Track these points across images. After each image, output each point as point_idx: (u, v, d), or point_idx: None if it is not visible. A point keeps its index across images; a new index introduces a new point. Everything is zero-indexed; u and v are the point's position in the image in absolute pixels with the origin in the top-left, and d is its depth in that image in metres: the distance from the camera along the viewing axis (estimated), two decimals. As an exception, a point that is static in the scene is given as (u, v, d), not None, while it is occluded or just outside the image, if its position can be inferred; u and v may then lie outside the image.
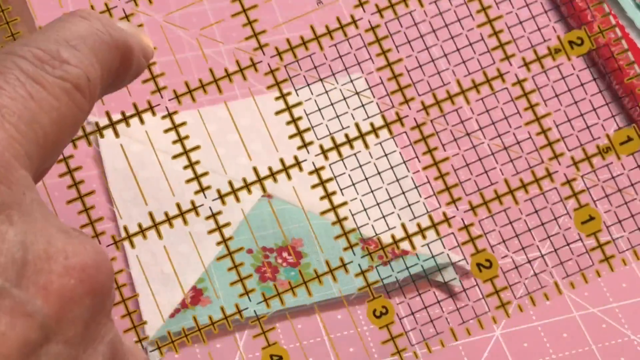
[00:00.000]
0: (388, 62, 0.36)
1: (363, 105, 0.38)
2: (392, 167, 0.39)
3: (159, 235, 0.35)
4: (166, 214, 0.35)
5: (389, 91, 0.36)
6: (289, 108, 0.35)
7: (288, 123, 0.35)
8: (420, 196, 0.41)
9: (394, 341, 0.37)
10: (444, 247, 0.45)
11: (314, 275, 0.37)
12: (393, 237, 0.37)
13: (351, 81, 0.39)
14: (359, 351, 0.42)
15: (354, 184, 0.38)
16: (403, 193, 0.39)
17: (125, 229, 0.35)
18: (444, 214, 0.37)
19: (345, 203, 0.36)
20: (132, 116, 0.35)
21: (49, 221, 0.25)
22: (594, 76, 0.36)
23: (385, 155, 0.38)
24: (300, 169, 0.36)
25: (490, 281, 0.36)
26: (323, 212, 0.36)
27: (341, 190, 0.38)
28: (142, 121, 0.34)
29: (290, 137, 0.35)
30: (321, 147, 0.36)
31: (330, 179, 0.37)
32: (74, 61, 0.28)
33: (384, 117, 0.36)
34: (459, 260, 0.44)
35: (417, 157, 0.36)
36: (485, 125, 0.38)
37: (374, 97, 0.39)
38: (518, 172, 0.38)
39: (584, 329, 0.43)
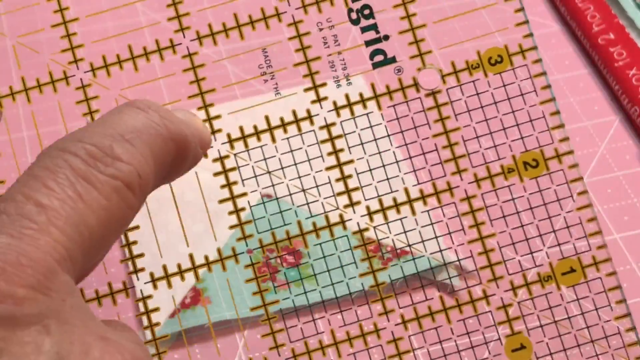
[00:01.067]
0: (338, 163, 0.36)
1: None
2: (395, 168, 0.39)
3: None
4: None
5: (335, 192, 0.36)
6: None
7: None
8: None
9: (395, 343, 0.37)
10: (441, 247, 0.45)
11: (313, 275, 0.37)
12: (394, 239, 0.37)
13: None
14: (359, 351, 0.42)
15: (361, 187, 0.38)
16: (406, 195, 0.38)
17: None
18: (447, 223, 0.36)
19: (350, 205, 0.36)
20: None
21: (88, 327, 0.25)
22: (544, 201, 0.36)
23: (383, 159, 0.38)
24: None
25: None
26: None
27: (348, 192, 0.38)
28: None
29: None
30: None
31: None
32: (126, 158, 0.27)
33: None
34: (460, 259, 0.44)
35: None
36: (427, 238, 0.38)
37: (319, 195, 0.39)
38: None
39: (584, 328, 0.43)
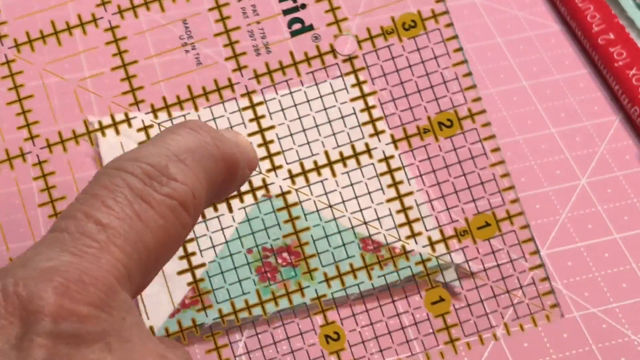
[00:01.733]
0: (260, 128, 0.36)
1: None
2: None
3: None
4: None
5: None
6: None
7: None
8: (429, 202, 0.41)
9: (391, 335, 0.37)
10: (445, 248, 0.45)
11: (315, 279, 0.37)
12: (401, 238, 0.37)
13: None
14: (359, 351, 0.42)
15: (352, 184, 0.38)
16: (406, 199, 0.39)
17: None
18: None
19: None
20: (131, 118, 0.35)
21: (147, 345, 0.26)
22: (459, 159, 0.37)
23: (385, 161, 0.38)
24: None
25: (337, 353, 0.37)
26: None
27: (342, 196, 0.38)
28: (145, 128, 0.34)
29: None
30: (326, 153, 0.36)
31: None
32: (181, 177, 0.28)
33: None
34: (461, 262, 0.44)
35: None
36: (347, 199, 0.38)
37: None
38: (374, 249, 0.39)
39: (584, 329, 0.43)
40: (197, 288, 0.40)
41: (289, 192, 0.37)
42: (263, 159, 0.36)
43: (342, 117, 0.38)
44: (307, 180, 0.37)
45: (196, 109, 0.36)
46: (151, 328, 0.40)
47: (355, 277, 0.40)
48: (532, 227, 0.46)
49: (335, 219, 0.39)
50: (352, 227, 0.39)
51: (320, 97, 0.37)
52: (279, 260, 0.42)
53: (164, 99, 0.36)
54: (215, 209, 0.37)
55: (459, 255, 0.43)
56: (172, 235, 0.28)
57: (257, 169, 0.36)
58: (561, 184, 0.47)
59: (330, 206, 0.39)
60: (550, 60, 0.53)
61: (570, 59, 0.53)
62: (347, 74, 0.37)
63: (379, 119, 0.37)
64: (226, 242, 0.40)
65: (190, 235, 0.38)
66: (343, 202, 0.38)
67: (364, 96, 0.37)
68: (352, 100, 0.37)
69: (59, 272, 0.25)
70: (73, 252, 0.25)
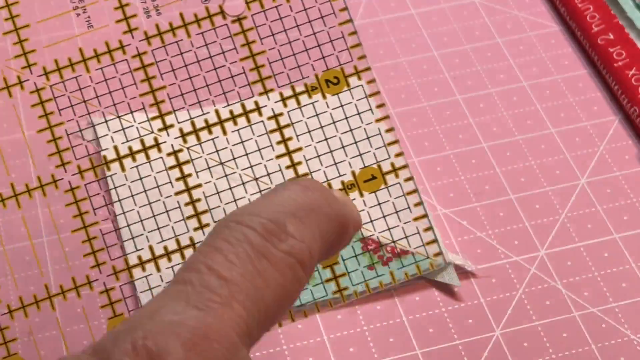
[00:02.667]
0: (151, 89, 0.38)
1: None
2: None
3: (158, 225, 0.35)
4: (191, 238, 0.35)
5: (149, 117, 0.38)
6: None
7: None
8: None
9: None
10: (444, 248, 0.45)
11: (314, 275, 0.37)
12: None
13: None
14: (359, 351, 0.42)
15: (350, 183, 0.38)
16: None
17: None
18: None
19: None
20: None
21: None
22: (346, 115, 0.38)
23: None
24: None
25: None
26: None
27: (345, 189, 0.38)
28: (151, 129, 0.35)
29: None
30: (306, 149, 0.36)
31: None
32: (299, 235, 0.28)
33: (142, 142, 0.38)
34: (460, 262, 0.44)
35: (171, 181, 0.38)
36: (238, 155, 0.40)
37: (134, 120, 0.40)
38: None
39: (584, 328, 0.43)
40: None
41: (180, 150, 0.38)
42: (154, 118, 0.38)
43: (232, 77, 0.39)
44: (198, 138, 0.38)
45: (87, 70, 0.38)
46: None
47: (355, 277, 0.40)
48: (532, 227, 0.46)
49: (226, 175, 0.39)
50: (243, 184, 0.39)
51: (210, 57, 0.39)
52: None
53: (56, 61, 0.37)
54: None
55: (456, 256, 0.43)
56: (289, 292, 0.28)
57: (150, 128, 0.37)
58: (561, 183, 0.47)
59: (221, 163, 0.39)
60: (550, 61, 0.53)
61: (570, 59, 0.53)
62: (236, 34, 0.38)
63: (268, 77, 0.38)
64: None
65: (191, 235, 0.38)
66: (234, 159, 0.39)
67: (252, 56, 0.38)
68: (242, 60, 0.38)
69: (186, 326, 0.25)
70: (197, 306, 0.26)
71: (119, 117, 0.39)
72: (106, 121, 0.40)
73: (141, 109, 0.38)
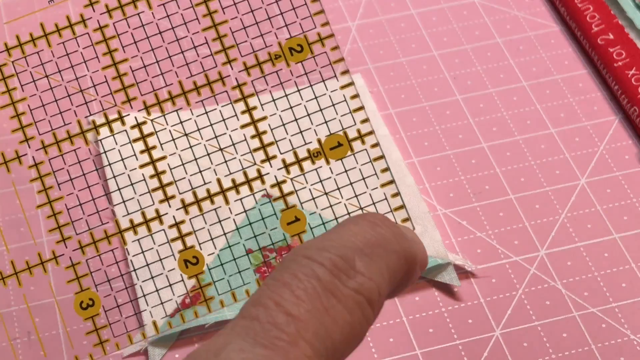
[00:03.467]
0: (114, 62, 0.38)
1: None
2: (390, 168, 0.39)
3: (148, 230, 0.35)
4: (157, 210, 0.35)
5: (112, 90, 0.38)
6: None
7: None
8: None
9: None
10: (444, 248, 0.45)
11: None
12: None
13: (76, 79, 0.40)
14: (359, 351, 0.42)
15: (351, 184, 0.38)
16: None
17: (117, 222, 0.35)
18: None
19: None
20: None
21: None
22: (310, 82, 0.38)
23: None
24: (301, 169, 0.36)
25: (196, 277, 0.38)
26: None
27: (339, 189, 0.38)
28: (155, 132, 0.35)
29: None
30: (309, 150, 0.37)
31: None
32: (367, 272, 0.28)
33: (106, 115, 0.38)
34: (460, 262, 0.44)
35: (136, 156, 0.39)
36: (203, 126, 0.40)
37: (97, 94, 0.40)
38: (231, 173, 0.40)
39: (584, 329, 0.43)
40: (197, 289, 0.40)
41: (144, 122, 0.38)
42: (117, 91, 0.38)
43: (195, 47, 0.39)
44: (161, 110, 0.38)
45: (49, 45, 0.37)
46: (154, 323, 0.40)
47: None
48: (532, 227, 0.46)
49: (191, 146, 0.40)
50: (208, 154, 0.40)
51: (172, 28, 0.38)
52: (279, 260, 0.42)
53: (17, 37, 0.37)
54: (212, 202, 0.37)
55: (456, 256, 0.43)
56: (357, 331, 0.27)
57: (113, 101, 0.37)
58: (561, 183, 0.47)
59: (186, 134, 0.39)
60: (549, 60, 0.53)
61: (570, 59, 0.53)
62: (198, 4, 0.38)
63: (231, 47, 0.38)
64: (229, 246, 0.40)
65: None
66: (198, 129, 0.39)
67: (215, 26, 0.38)
68: (204, 30, 0.38)
69: None
70: (264, 344, 0.25)
71: (81, 90, 0.39)
72: (69, 95, 0.39)
73: (104, 82, 0.38)
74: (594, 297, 0.43)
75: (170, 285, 0.40)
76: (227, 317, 0.41)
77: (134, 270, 0.40)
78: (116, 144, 0.39)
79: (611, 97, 0.51)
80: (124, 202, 0.39)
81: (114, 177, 0.39)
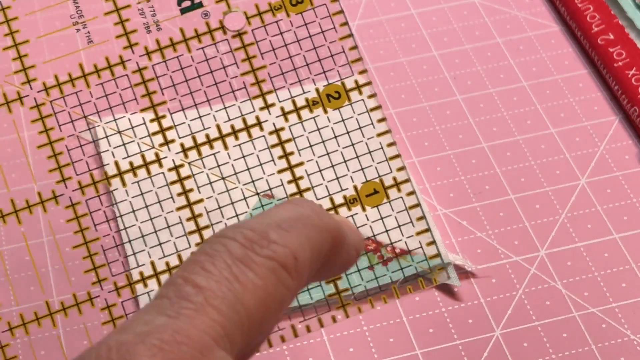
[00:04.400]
0: (152, 104, 0.38)
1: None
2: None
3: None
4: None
5: (150, 132, 0.38)
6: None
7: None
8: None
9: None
10: (444, 248, 0.45)
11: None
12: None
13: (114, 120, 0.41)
14: (359, 351, 0.42)
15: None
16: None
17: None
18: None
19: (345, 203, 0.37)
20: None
21: None
22: (347, 129, 0.39)
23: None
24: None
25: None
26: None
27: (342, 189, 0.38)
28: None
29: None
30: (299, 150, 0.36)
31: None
32: (281, 241, 0.28)
33: (143, 157, 0.38)
34: (460, 262, 0.44)
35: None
36: (240, 170, 0.40)
37: (135, 136, 0.40)
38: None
39: (584, 329, 0.43)
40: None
41: (182, 165, 0.39)
42: (155, 133, 0.38)
43: (233, 92, 0.39)
44: (199, 153, 0.38)
45: (88, 86, 0.38)
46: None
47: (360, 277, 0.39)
48: (532, 227, 0.46)
49: (228, 190, 0.40)
50: (245, 198, 0.40)
51: (211, 72, 0.39)
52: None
53: (56, 77, 0.37)
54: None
55: (456, 256, 0.43)
56: (274, 296, 0.28)
57: (151, 142, 0.37)
58: (561, 184, 0.47)
59: (223, 178, 0.39)
60: (550, 60, 0.53)
61: (570, 59, 0.53)
62: (237, 49, 0.38)
63: (269, 92, 0.38)
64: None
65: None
66: (235, 174, 0.39)
67: (253, 70, 0.38)
68: (243, 74, 0.38)
69: (153, 334, 0.25)
70: (169, 314, 0.26)
71: (119, 132, 0.39)
72: (107, 136, 0.40)
73: (142, 124, 0.38)
74: (594, 297, 0.43)
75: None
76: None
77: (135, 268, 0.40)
78: (153, 185, 0.39)
79: (611, 97, 0.51)
80: (161, 244, 0.39)
81: (151, 219, 0.39)
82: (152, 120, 0.38)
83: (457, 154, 0.49)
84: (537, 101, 0.51)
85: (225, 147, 0.38)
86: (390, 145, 0.38)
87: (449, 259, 0.44)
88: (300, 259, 0.28)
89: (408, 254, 0.42)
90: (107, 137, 0.40)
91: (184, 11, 0.38)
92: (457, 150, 0.49)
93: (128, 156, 0.38)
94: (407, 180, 0.38)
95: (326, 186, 0.39)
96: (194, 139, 0.38)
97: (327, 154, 0.39)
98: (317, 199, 0.38)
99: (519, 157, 0.49)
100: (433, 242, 0.39)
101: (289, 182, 0.38)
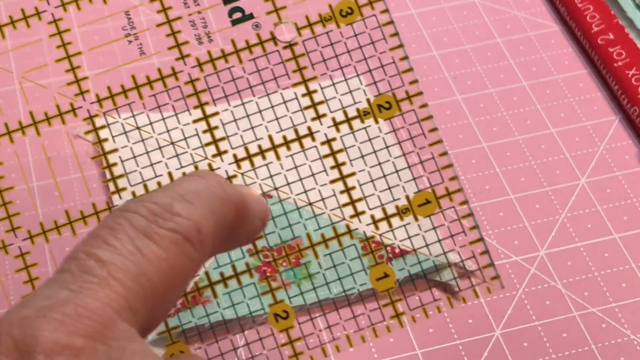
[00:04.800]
0: (204, 115, 0.38)
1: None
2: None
3: None
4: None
5: (203, 143, 0.38)
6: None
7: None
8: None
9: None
10: (444, 249, 0.45)
11: (314, 275, 0.37)
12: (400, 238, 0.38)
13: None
14: (359, 351, 0.42)
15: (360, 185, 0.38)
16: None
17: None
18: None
19: (349, 203, 0.37)
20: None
21: None
22: (398, 139, 0.39)
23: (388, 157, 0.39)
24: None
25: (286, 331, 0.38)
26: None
27: (348, 190, 0.38)
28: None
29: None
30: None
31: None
32: (185, 214, 0.28)
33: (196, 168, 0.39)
34: (458, 262, 0.44)
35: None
36: (292, 180, 0.40)
37: (187, 146, 0.40)
38: (320, 228, 0.40)
39: (584, 328, 0.43)
40: (196, 289, 0.40)
41: (234, 176, 0.39)
42: (208, 144, 0.38)
43: (285, 102, 0.39)
44: (252, 164, 0.38)
45: (141, 97, 0.38)
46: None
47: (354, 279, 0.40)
48: (532, 227, 0.46)
49: (280, 200, 0.39)
50: (298, 209, 0.40)
51: (262, 82, 0.39)
52: (279, 260, 0.42)
53: (109, 88, 0.37)
54: None
55: (455, 255, 0.43)
56: (177, 268, 0.28)
57: (203, 153, 0.37)
58: (561, 183, 0.47)
59: (276, 188, 0.39)
60: (550, 60, 0.53)
61: (570, 59, 0.53)
62: (288, 60, 0.38)
63: (321, 102, 0.38)
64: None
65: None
66: (288, 184, 0.39)
67: (305, 81, 0.38)
68: (294, 85, 0.38)
69: (55, 308, 0.25)
70: (71, 288, 0.26)
71: (172, 144, 0.39)
72: (160, 147, 0.39)
73: (195, 135, 0.38)
74: (594, 297, 0.43)
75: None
76: (227, 316, 0.41)
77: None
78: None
79: (611, 97, 0.51)
80: (216, 256, 0.39)
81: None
82: (204, 132, 0.38)
83: (457, 153, 0.49)
84: (537, 101, 0.51)
85: (278, 158, 0.38)
86: (442, 155, 0.38)
87: (449, 259, 0.44)
88: (203, 231, 0.28)
89: (409, 253, 0.42)
90: (160, 148, 0.40)
91: (235, 23, 0.38)
92: (457, 150, 0.49)
93: (181, 167, 0.38)
94: (460, 190, 0.38)
95: (378, 196, 0.39)
96: (246, 149, 0.38)
97: (379, 164, 0.39)
98: (370, 209, 0.38)
99: (519, 157, 0.49)
100: (486, 252, 0.39)
101: (341, 192, 0.38)
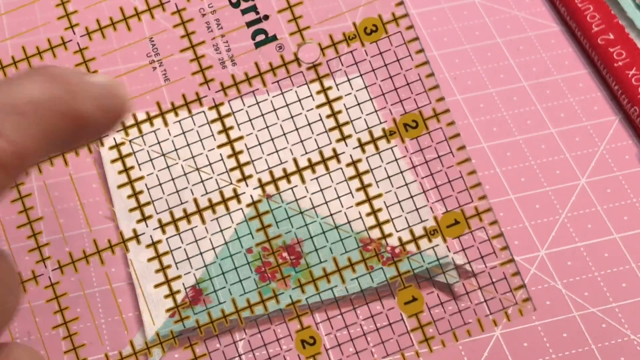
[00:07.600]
0: (229, 139, 0.38)
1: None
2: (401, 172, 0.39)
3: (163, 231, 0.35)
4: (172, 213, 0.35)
5: (228, 168, 0.38)
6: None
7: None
8: (428, 200, 0.41)
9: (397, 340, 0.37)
10: (448, 250, 0.45)
11: (314, 275, 0.37)
12: (400, 239, 0.38)
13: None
14: (360, 351, 0.42)
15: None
16: (412, 197, 0.39)
17: (121, 234, 0.36)
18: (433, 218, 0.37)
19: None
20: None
21: None
22: (426, 159, 0.39)
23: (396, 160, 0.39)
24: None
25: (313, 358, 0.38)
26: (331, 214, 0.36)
27: (351, 192, 0.38)
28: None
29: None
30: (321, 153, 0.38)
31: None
32: (11, 134, 0.26)
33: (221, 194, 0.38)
34: (463, 264, 0.44)
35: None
36: (318, 204, 0.40)
37: (212, 172, 0.40)
38: (347, 252, 0.40)
39: (584, 329, 0.43)
40: (196, 289, 0.40)
41: (260, 200, 0.39)
42: (233, 169, 0.38)
43: (309, 124, 0.39)
44: (277, 188, 0.38)
45: (166, 124, 0.38)
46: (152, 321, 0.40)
47: (354, 271, 0.39)
48: (532, 227, 0.46)
49: (306, 224, 0.39)
50: (324, 232, 0.39)
51: (287, 105, 0.39)
52: (279, 260, 0.42)
53: (134, 115, 0.37)
54: (214, 211, 0.37)
55: (460, 257, 0.43)
56: None
57: (228, 178, 0.37)
58: (561, 183, 0.47)
59: (301, 212, 0.39)
60: (550, 60, 0.53)
61: (570, 59, 0.53)
62: (312, 81, 0.38)
63: (345, 123, 0.38)
64: (225, 243, 0.40)
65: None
66: (313, 207, 0.39)
67: (329, 102, 0.38)
68: (318, 107, 0.38)
69: None
70: None
71: (197, 169, 0.39)
72: (185, 174, 0.39)
73: (219, 160, 0.38)
74: (594, 297, 0.43)
75: (170, 289, 0.40)
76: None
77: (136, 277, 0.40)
78: (232, 222, 0.40)
79: (611, 97, 0.51)
80: (241, 281, 0.40)
81: (231, 255, 0.40)
82: (229, 156, 0.37)
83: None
84: (537, 101, 0.51)
85: (303, 181, 0.38)
86: (470, 173, 0.38)
87: (449, 259, 0.44)
88: (25, 158, 0.26)
89: (408, 253, 0.42)
90: (185, 174, 0.39)
91: (258, 45, 0.38)
92: (457, 150, 0.49)
93: (207, 193, 0.39)
94: (489, 210, 0.38)
95: (405, 218, 0.39)
96: (271, 173, 0.38)
97: (406, 184, 0.39)
98: (397, 231, 0.39)
99: (519, 157, 0.49)
100: (517, 273, 0.39)
101: (368, 214, 0.38)
